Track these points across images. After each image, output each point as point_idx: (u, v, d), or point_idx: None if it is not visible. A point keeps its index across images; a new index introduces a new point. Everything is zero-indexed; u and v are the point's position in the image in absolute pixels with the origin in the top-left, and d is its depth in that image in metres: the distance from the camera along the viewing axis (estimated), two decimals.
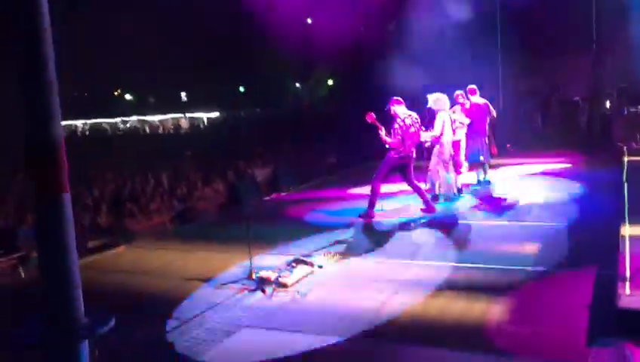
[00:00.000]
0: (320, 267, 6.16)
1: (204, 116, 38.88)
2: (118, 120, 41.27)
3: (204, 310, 5.23)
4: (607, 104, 17.34)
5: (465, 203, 9.12)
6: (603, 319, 4.34)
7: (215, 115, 38.44)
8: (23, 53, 0.96)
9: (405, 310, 4.94)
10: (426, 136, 8.80)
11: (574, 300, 4.83)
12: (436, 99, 8.97)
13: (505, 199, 9.19)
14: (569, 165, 12.14)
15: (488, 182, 10.11)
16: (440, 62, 13.81)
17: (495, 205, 8.87)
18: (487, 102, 10.06)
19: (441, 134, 8.92)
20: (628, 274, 4.66)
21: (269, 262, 6.44)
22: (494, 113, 10.10)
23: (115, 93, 52.86)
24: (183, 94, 42.04)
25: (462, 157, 10.22)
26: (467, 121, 9.89)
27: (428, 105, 9.08)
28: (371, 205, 8.38)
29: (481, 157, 10.01)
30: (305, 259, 6.31)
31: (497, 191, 9.80)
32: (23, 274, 8.87)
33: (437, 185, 9.15)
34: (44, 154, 0.94)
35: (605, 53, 16.05)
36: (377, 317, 4.82)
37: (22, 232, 9.01)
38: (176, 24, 37.66)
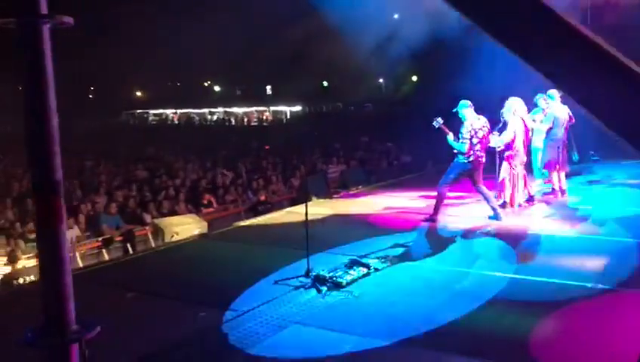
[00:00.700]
0: (376, 269, 6.26)
1: (287, 110, 39.70)
2: (205, 110, 42.98)
3: (259, 304, 5.49)
4: None
5: (535, 212, 8.86)
6: None
7: (298, 108, 39.14)
8: (26, 107, 1.15)
9: (455, 319, 4.95)
10: (496, 141, 8.62)
11: (634, 323, 4.66)
12: (511, 103, 8.76)
13: (578, 209, 8.84)
14: None
15: (563, 191, 9.74)
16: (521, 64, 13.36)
17: (566, 215, 8.55)
18: (567, 108, 9.68)
19: (513, 140, 8.70)
20: None
21: (327, 260, 6.62)
22: (573, 119, 9.70)
23: (205, 85, 55.14)
24: (269, 88, 43.17)
25: (538, 164, 9.93)
26: (545, 127, 9.58)
27: (503, 110, 8.88)
28: (436, 209, 8.34)
29: (557, 165, 9.66)
30: (362, 260, 6.43)
31: (571, 201, 9.44)
32: (106, 256, 9.62)
33: (507, 192, 8.94)
34: (46, 194, 1.14)
35: None
36: (425, 324, 4.86)
37: (104, 218, 9.73)
38: (262, 20, 38.71)
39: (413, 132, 18.83)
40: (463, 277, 6.06)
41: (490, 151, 8.87)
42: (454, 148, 8.14)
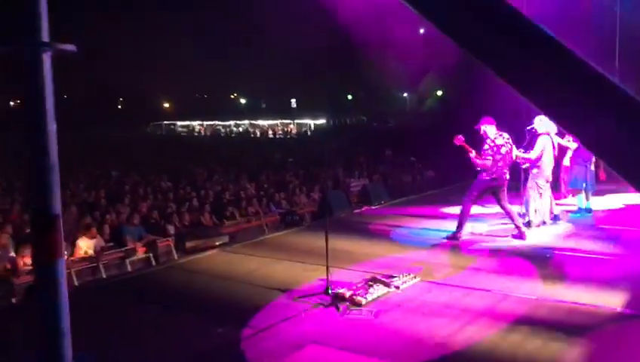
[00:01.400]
0: (397, 288, 6.17)
1: (311, 123, 39.82)
2: (231, 122, 43.38)
3: (278, 321, 5.45)
4: None
5: (560, 231, 8.66)
6: None
7: (322, 121, 39.24)
8: (27, 142, 1.13)
9: (476, 342, 4.84)
10: (519, 157, 8.50)
11: None
12: (540, 121, 8.62)
13: (605, 229, 8.62)
14: None
15: (590, 210, 9.52)
16: None
17: (593, 235, 8.34)
18: None
19: (539, 157, 8.55)
20: None
21: (347, 277, 6.55)
22: None
23: (232, 97, 55.70)
24: (293, 101, 43.41)
25: (565, 182, 9.75)
26: (574, 145, 9.40)
27: (531, 127, 8.74)
28: (460, 227, 8.22)
29: (585, 184, 9.46)
30: (383, 278, 6.35)
31: (599, 221, 9.21)
32: (129, 267, 9.68)
33: (532, 211, 8.77)
34: (44, 227, 1.12)
35: None
36: (445, 346, 4.76)
37: (127, 229, 9.80)
38: (289, 34, 39.06)
39: (437, 147, 18.73)
40: (485, 297, 5.93)
41: (515, 169, 8.74)
42: (477, 166, 8.04)
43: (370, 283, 6.22)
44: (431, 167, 18.53)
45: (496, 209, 8.63)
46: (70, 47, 1.24)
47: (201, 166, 21.22)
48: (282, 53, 38.97)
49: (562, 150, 9.56)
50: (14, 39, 1.17)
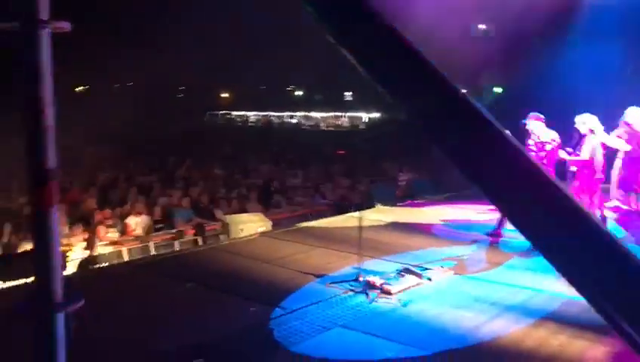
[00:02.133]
0: (428, 279, 6.25)
1: (364, 116, 39.82)
2: (286, 114, 43.91)
3: (308, 304, 5.64)
4: None
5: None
6: None
7: (376, 115, 39.16)
8: (23, 102, 1.32)
9: (501, 336, 4.88)
10: (569, 160, 8.32)
11: None
12: (584, 121, 8.41)
13: None
14: None
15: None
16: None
17: None
18: None
19: (589, 160, 8.33)
20: None
21: (381, 267, 6.67)
22: None
23: (288, 89, 56.31)
24: (348, 94, 43.46)
25: (616, 183, 9.46)
26: (628, 147, 9.10)
27: (576, 126, 8.55)
28: (500, 224, 8.16)
29: (636, 186, 9.15)
30: (415, 269, 6.43)
31: None
32: (178, 247, 10.11)
33: None
34: (40, 179, 1.33)
35: None
36: (470, 338, 4.83)
37: (177, 211, 10.24)
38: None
39: None
40: (516, 293, 5.93)
41: (561, 169, 8.57)
42: None
43: (403, 273, 6.32)
44: None
45: None
46: (65, 25, 1.43)
47: (253, 155, 21.69)
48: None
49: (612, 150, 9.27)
50: (14, 16, 1.36)
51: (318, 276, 6.48)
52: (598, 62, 13.83)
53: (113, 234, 9.67)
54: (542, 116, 8.07)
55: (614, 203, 9.44)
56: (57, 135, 1.42)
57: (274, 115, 42.41)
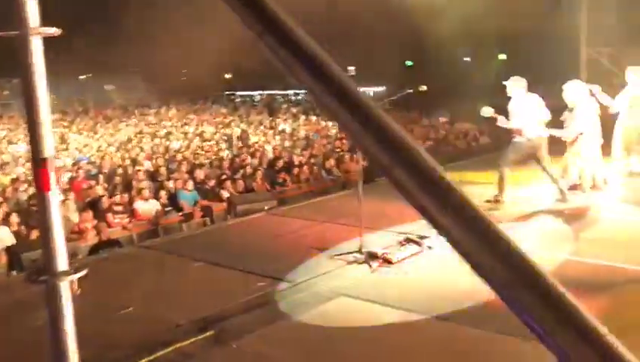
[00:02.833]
0: (429, 248, 6.39)
1: (370, 90, 39.68)
2: (290, 92, 43.84)
3: (313, 276, 5.82)
4: None
5: (608, 195, 8.53)
6: None
7: (381, 89, 39.00)
8: (25, 103, 1.49)
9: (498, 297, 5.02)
10: (566, 132, 8.36)
11: None
12: (573, 88, 8.44)
13: None
14: None
15: None
16: None
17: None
18: None
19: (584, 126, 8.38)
20: None
21: (383, 238, 6.83)
22: None
23: None
24: (352, 68, 43.24)
25: (617, 145, 9.51)
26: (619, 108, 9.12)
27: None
28: (500, 190, 8.26)
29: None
30: (416, 238, 6.58)
31: None
32: (184, 229, 10.32)
33: (577, 173, 8.66)
34: (38, 165, 1.50)
35: None
36: (467, 301, 4.98)
37: (183, 195, 10.42)
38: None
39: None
40: None
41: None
42: (511, 130, 8.04)
43: (403, 242, 6.47)
44: (481, 130, 18.32)
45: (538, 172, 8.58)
46: (54, 31, 1.58)
47: (258, 135, 21.82)
48: (341, 18, 38.79)
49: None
50: (10, 24, 1.52)
51: (322, 249, 6.64)
52: None
53: (123, 220, 9.91)
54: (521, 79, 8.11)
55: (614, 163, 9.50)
56: None
57: (280, 94, 42.34)
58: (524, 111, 7.92)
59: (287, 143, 17.81)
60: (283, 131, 21.30)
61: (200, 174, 12.36)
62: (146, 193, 10.18)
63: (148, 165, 14.03)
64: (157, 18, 43.00)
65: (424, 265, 5.96)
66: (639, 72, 9.14)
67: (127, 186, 11.23)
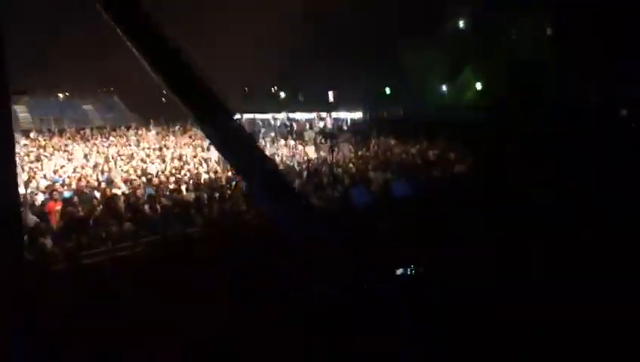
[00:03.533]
0: None
1: (347, 116, 40.17)
2: (269, 116, 44.12)
3: None
4: None
5: None
6: None
7: (358, 115, 39.52)
8: None
9: None
10: None
11: None
12: None
13: None
14: None
15: None
16: None
17: None
18: None
19: None
20: None
21: None
22: None
23: (272, 90, 56.57)
24: (330, 93, 43.74)
25: None
26: None
27: None
28: None
29: None
30: None
31: None
32: None
33: None
34: None
35: None
36: None
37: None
38: (327, 26, 39.44)
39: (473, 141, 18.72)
40: None
41: None
42: None
43: None
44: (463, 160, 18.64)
45: None
46: None
47: None
48: (322, 46, 39.38)
49: None
50: None
51: None
52: None
53: None
54: None
55: None
56: None
57: (259, 118, 42.59)
58: None
59: None
60: None
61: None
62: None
63: (124, 188, 13.99)
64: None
65: None
66: None
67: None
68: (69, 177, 16.17)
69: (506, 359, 4.98)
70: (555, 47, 29.66)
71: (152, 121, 35.86)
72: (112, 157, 20.36)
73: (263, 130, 32.13)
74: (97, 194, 12.71)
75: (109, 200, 11.28)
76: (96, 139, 27.48)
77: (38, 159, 20.30)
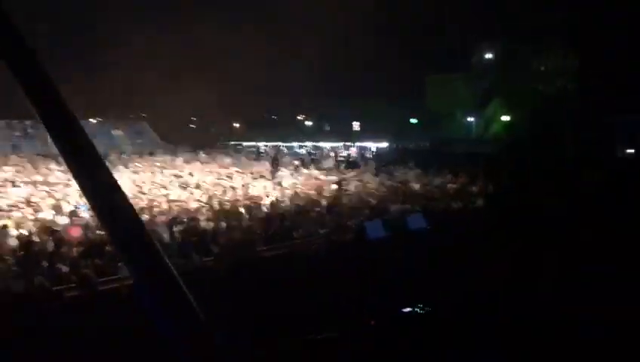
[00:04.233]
0: None
1: (372, 146, 40.26)
2: (295, 144, 44.44)
3: None
4: None
5: None
6: None
7: (384, 145, 39.57)
8: None
9: None
10: None
11: None
12: None
13: None
14: None
15: None
16: None
17: None
18: None
19: None
20: None
21: None
22: None
23: (299, 118, 57.17)
24: (356, 124, 44.13)
25: None
26: None
27: None
28: None
29: None
30: None
31: None
32: None
33: None
34: None
35: None
36: None
37: None
38: (354, 58, 39.98)
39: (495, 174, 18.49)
40: None
41: None
42: None
43: None
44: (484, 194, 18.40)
45: None
46: None
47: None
48: (348, 77, 39.80)
49: None
50: None
51: None
52: None
53: None
54: None
55: None
56: None
57: (284, 145, 42.93)
58: None
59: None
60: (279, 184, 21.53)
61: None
62: None
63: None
64: (169, 65, 44.28)
65: None
66: None
67: None
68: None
69: None
70: (579, 81, 29.41)
71: (178, 147, 36.50)
72: (135, 184, 20.71)
73: (287, 159, 32.36)
74: None
75: None
76: (124, 164, 28.03)
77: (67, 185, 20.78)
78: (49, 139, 1.69)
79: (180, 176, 23.50)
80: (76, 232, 11.74)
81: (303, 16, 40.58)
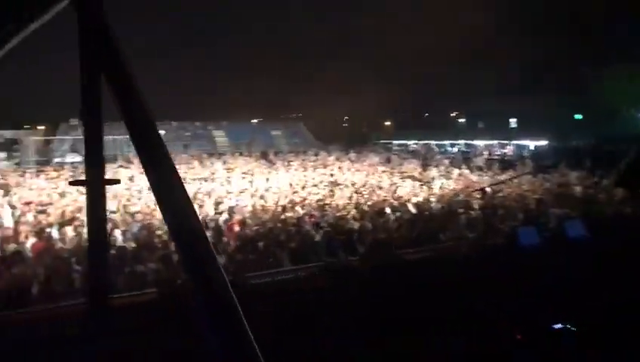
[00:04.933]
0: None
1: (530, 144, 37.92)
2: (447, 142, 43.43)
3: None
4: None
5: None
6: None
7: (543, 143, 37.04)
8: None
9: None
10: None
11: None
12: None
13: None
14: None
15: None
16: None
17: None
18: None
19: None
20: None
21: None
22: None
23: (452, 115, 55.69)
24: (513, 121, 41.82)
25: None
26: None
27: None
28: None
29: None
30: None
31: None
32: None
33: None
34: None
35: None
36: None
37: None
38: (513, 53, 37.83)
39: None
40: None
41: None
42: None
43: None
44: None
45: None
46: None
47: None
48: (504, 73, 38.01)
49: None
50: None
51: None
52: None
53: None
54: None
55: None
56: None
57: (434, 143, 42.16)
58: None
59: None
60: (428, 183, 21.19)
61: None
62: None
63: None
64: (326, 67, 45.78)
65: None
66: None
67: None
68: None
69: None
70: None
71: (330, 146, 37.69)
72: (288, 182, 21.72)
73: (437, 157, 31.76)
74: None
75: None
76: (280, 163, 29.58)
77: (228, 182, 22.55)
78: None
79: (330, 175, 24.20)
80: (235, 227, 12.66)
81: (461, 15, 39.41)
